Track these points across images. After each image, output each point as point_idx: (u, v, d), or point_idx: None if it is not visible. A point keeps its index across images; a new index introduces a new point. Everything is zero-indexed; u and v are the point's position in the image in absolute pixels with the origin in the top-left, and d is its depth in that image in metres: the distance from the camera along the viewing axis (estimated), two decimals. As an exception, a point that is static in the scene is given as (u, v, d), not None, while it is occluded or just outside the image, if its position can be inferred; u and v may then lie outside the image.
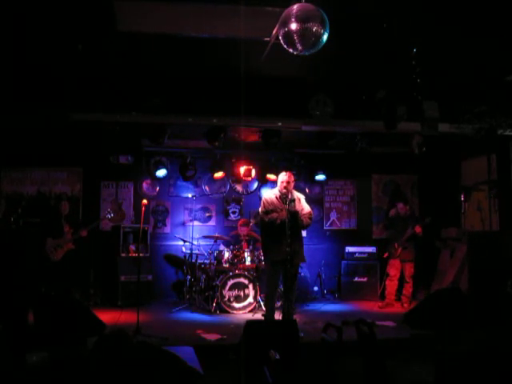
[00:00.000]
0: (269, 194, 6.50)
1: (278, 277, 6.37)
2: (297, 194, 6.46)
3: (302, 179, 9.48)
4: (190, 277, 8.24)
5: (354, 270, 9.12)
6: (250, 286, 7.69)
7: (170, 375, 3.47)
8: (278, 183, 6.38)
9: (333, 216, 9.97)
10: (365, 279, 9.07)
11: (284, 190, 6.23)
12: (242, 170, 8.95)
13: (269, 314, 6.42)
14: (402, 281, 8.38)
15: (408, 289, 8.30)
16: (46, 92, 6.36)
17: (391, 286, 8.28)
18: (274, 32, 5.15)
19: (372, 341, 3.38)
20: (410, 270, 8.23)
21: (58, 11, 4.87)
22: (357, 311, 7.85)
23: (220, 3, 4.80)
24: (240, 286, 7.68)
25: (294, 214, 6.18)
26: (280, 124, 7.24)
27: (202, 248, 8.53)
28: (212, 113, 6.89)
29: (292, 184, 6.38)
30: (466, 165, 8.98)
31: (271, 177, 9.24)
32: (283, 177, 6.35)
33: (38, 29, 5.21)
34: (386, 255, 8.45)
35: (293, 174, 6.53)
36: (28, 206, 8.45)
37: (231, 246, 8.30)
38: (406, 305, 8.12)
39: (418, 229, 8.06)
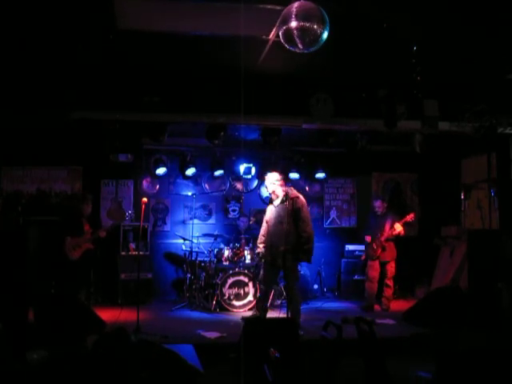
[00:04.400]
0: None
1: (269, 276, 6.41)
2: (292, 193, 6.35)
3: (302, 177, 9.48)
4: (189, 275, 8.24)
5: (353, 268, 9.11)
6: (250, 284, 7.69)
7: (170, 373, 3.48)
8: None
9: (333, 214, 9.97)
10: (364, 277, 9.06)
11: (270, 192, 6.44)
12: (242, 168, 8.96)
13: (259, 312, 6.46)
14: (381, 282, 7.96)
15: (388, 291, 7.90)
16: (45, 91, 6.36)
17: (371, 288, 7.88)
18: (275, 30, 5.15)
19: (372, 339, 3.39)
20: (391, 270, 7.83)
21: (58, 10, 4.86)
22: (356, 309, 7.86)
23: (220, 1, 4.79)
24: (240, 284, 7.69)
25: (282, 215, 6.21)
26: (280, 122, 7.24)
27: (201, 246, 8.54)
28: (212, 111, 6.90)
29: (275, 184, 6.43)
30: (466, 163, 8.98)
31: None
32: (266, 179, 6.55)
33: (37, 28, 5.21)
34: (363, 258, 8.23)
35: (278, 173, 6.59)
36: (28, 204, 8.45)
37: (231, 244, 8.31)
38: (385, 307, 7.84)
39: (398, 229, 7.70)
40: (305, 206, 6.39)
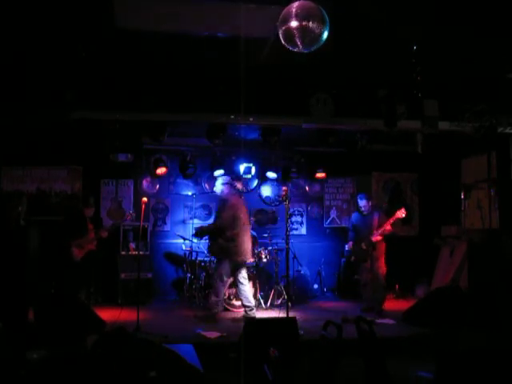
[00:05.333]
0: None
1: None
2: (226, 196, 7.19)
3: (302, 177, 9.48)
4: (190, 274, 8.24)
5: (353, 267, 9.09)
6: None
7: (170, 373, 3.48)
8: None
9: (333, 214, 9.98)
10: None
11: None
12: (242, 168, 8.98)
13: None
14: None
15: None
16: (45, 91, 6.36)
17: (367, 291, 7.67)
18: (275, 30, 5.14)
19: (372, 339, 3.39)
20: (382, 268, 7.44)
21: (58, 9, 4.86)
22: (356, 309, 7.84)
23: (220, 1, 4.80)
24: (240, 283, 7.68)
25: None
26: (280, 122, 7.24)
27: (201, 246, 8.54)
28: (212, 111, 6.90)
29: (219, 187, 7.22)
30: (466, 163, 8.99)
31: (271, 175, 9.25)
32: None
33: (37, 28, 5.21)
34: (354, 259, 7.86)
35: (228, 176, 7.44)
36: (28, 204, 8.44)
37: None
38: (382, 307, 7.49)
39: (388, 226, 7.32)
40: (227, 207, 7.00)
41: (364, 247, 7.54)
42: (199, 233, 7.36)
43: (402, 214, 7.36)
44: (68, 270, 7.27)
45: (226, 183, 7.22)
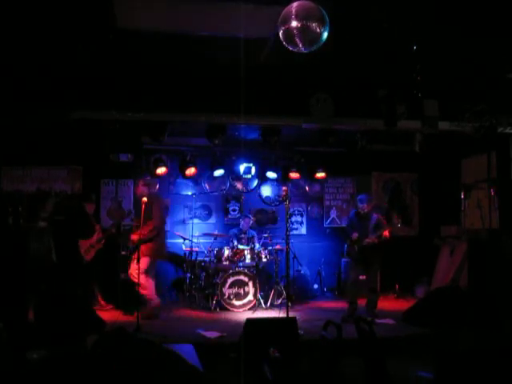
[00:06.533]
0: None
1: None
2: (148, 195, 6.99)
3: (302, 177, 9.48)
4: (189, 274, 8.24)
5: (353, 267, 9.08)
6: (250, 284, 7.69)
7: (170, 373, 3.48)
8: None
9: (333, 214, 9.98)
10: (364, 277, 9.01)
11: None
12: (242, 168, 8.98)
13: None
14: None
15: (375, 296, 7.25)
16: (45, 91, 6.36)
17: (351, 288, 7.40)
18: (275, 30, 5.15)
19: (372, 339, 3.39)
20: (376, 274, 7.24)
21: (58, 9, 4.87)
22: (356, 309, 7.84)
23: (220, 1, 4.80)
24: (240, 283, 7.68)
25: None
26: (280, 122, 7.24)
27: (201, 246, 8.54)
28: (212, 111, 6.90)
29: (138, 186, 7.35)
30: (466, 163, 8.99)
31: (271, 175, 9.25)
32: None
33: (37, 28, 5.21)
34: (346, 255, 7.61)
35: (142, 180, 7.46)
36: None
37: (231, 244, 8.30)
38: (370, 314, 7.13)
39: (386, 233, 7.00)
40: (155, 206, 7.04)
41: (356, 249, 7.26)
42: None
43: (397, 223, 7.35)
44: (72, 270, 7.28)
45: (143, 185, 7.32)
